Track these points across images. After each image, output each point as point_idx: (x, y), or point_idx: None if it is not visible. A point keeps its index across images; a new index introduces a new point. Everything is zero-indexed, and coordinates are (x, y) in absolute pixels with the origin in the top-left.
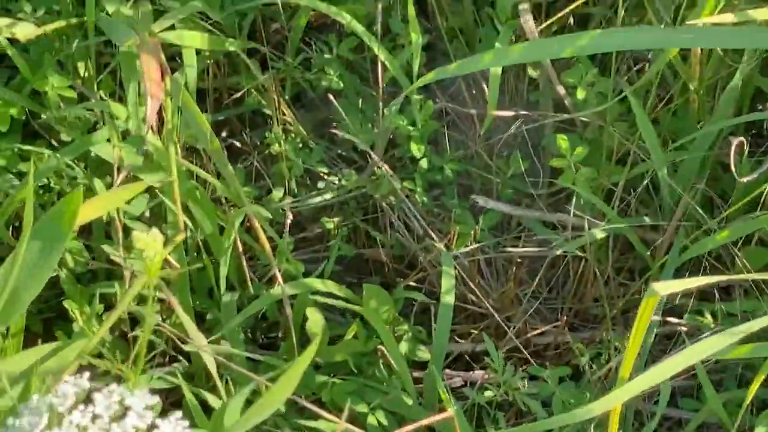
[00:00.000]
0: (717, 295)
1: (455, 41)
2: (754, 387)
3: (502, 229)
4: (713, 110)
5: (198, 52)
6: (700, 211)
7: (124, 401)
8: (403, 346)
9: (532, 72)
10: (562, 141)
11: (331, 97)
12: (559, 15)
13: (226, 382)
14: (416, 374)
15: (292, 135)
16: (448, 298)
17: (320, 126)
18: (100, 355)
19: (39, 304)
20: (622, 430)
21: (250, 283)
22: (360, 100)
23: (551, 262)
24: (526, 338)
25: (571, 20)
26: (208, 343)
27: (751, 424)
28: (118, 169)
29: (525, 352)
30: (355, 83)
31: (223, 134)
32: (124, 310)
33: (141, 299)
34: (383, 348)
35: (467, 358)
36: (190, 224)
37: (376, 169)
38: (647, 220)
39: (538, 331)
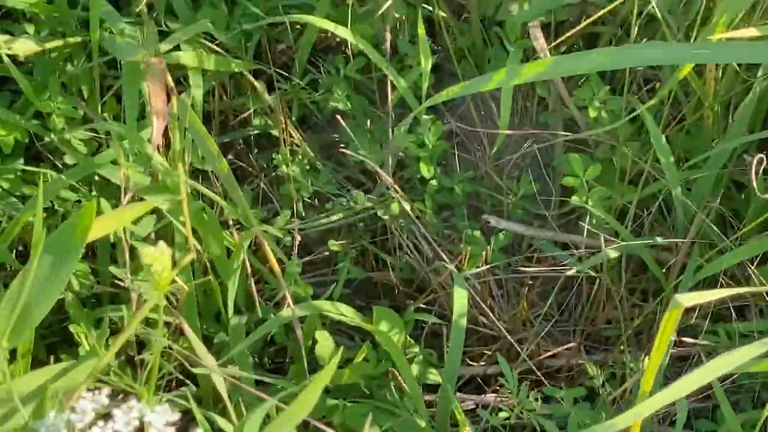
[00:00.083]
0: (733, 315)
1: (463, 62)
2: None
3: (513, 251)
4: (726, 129)
5: (204, 73)
6: (716, 229)
7: (143, 417)
8: (414, 369)
9: (541, 92)
10: (575, 160)
11: (338, 117)
12: (569, 34)
13: (235, 405)
14: (427, 398)
15: (300, 156)
16: (461, 319)
17: (327, 148)
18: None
19: (42, 329)
20: None
21: (258, 306)
22: (368, 121)
23: (562, 284)
24: (538, 360)
25: (580, 42)
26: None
27: None
28: (125, 189)
29: (538, 374)
30: (363, 104)
31: (229, 157)
32: (132, 333)
33: (148, 323)
34: (395, 370)
35: (479, 380)
36: (198, 246)
37: (385, 189)
38: (660, 240)
39: (551, 353)
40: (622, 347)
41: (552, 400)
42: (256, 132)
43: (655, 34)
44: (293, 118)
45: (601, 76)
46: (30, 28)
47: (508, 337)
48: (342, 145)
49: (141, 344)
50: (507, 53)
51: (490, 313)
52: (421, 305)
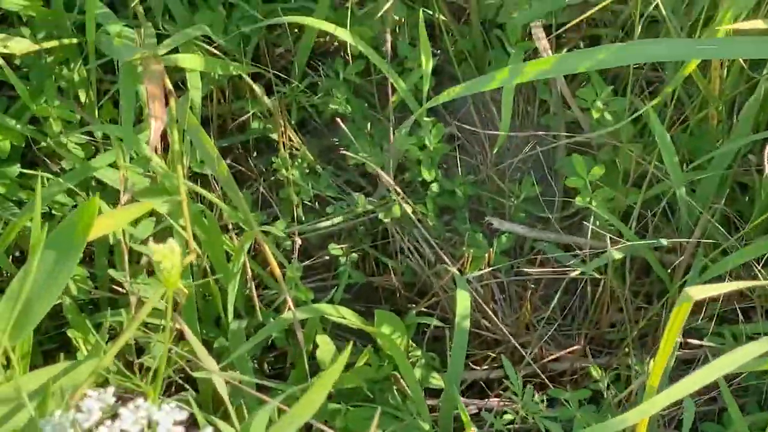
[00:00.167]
0: (740, 316)
1: (464, 64)
2: None
3: (515, 255)
4: (731, 129)
5: (202, 76)
6: (722, 230)
7: (151, 417)
8: (417, 373)
9: (542, 95)
10: (578, 160)
11: (338, 120)
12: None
13: (237, 409)
14: (429, 402)
15: (299, 160)
16: (464, 322)
17: (326, 152)
18: (106, 382)
19: (40, 335)
20: None
21: (258, 310)
22: (368, 124)
23: (565, 288)
24: (542, 364)
25: (581, 44)
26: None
27: None
28: (123, 190)
29: (543, 376)
30: (363, 108)
31: (228, 161)
32: (132, 336)
33: (147, 327)
34: (397, 374)
35: (482, 385)
36: (198, 250)
37: (386, 192)
38: (665, 242)
39: (554, 357)
40: (627, 349)
41: (556, 403)
42: (254, 136)
43: (657, 36)
44: (292, 122)
45: (603, 79)
46: (26, 32)
47: (512, 340)
48: (342, 149)
49: (140, 350)
50: (508, 55)
51: (494, 316)
52: (423, 309)
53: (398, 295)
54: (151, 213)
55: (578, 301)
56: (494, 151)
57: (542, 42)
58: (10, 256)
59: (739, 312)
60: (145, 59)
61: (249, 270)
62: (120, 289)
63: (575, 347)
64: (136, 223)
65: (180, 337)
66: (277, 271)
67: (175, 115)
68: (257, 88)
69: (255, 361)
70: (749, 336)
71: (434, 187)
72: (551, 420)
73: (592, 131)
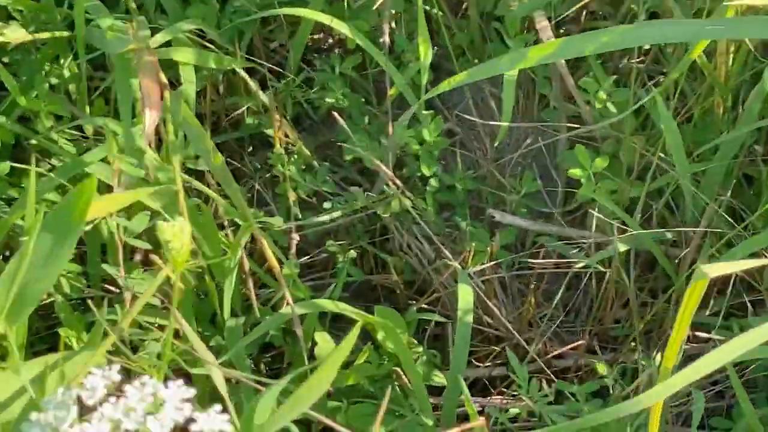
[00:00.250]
0: (749, 308)
1: (461, 59)
2: None
3: (517, 250)
4: (736, 120)
5: (196, 71)
6: (730, 219)
7: (158, 394)
8: (419, 370)
9: (542, 89)
10: (581, 151)
11: (335, 114)
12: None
13: (235, 405)
14: (431, 400)
15: (295, 156)
16: (466, 316)
17: (322, 149)
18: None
19: (31, 336)
20: None
21: (255, 305)
22: (366, 119)
23: (568, 284)
24: (546, 360)
25: None
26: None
27: None
28: (117, 182)
29: (548, 371)
30: (359, 103)
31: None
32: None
33: (141, 328)
34: (398, 370)
35: (484, 383)
36: (193, 244)
37: (385, 186)
38: (670, 234)
39: (558, 352)
40: (632, 344)
41: (563, 398)
42: (249, 133)
43: None
44: (288, 117)
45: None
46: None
47: (516, 335)
48: (339, 144)
49: (134, 350)
50: (507, 49)
51: (497, 311)
52: (424, 305)
53: (398, 292)
54: (145, 207)
55: (582, 297)
56: (495, 144)
57: (546, 33)
58: (1, 256)
59: (748, 304)
60: (138, 51)
61: (246, 265)
62: (113, 288)
63: (580, 342)
64: (130, 216)
65: (176, 335)
66: (275, 264)
67: (169, 106)
68: (252, 83)
69: (252, 362)
70: None
71: (433, 182)
72: (558, 414)
73: (595, 123)
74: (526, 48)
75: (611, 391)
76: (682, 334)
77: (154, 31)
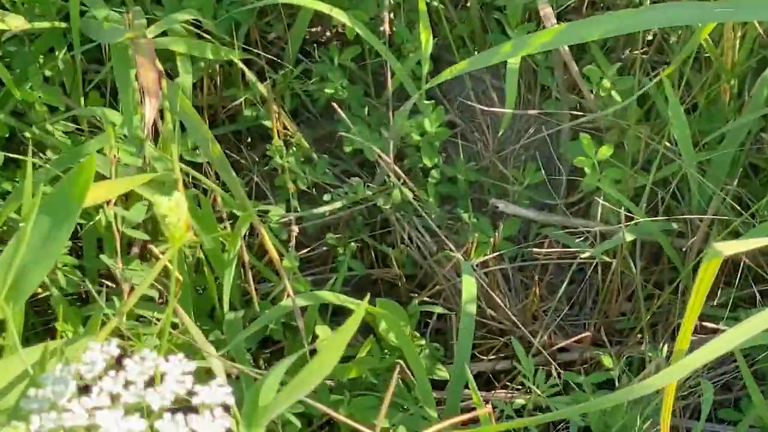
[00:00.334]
0: (758, 298)
1: (462, 51)
2: None
3: (520, 242)
4: (742, 108)
5: (192, 63)
6: (738, 207)
7: (157, 368)
8: (422, 363)
9: (544, 80)
10: (586, 140)
11: (335, 105)
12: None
13: None
14: (434, 395)
15: (294, 148)
16: (470, 307)
17: (321, 141)
18: None
19: (26, 331)
20: None
21: (255, 297)
22: (365, 110)
23: (572, 277)
24: (551, 352)
25: None
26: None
27: None
28: (115, 171)
29: (554, 363)
30: (359, 94)
31: None
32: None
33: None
34: (401, 362)
35: (488, 377)
36: (191, 235)
37: (385, 178)
38: (675, 226)
39: (562, 344)
40: (639, 336)
41: (569, 390)
42: (246, 126)
43: None
44: (286, 109)
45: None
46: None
47: (521, 327)
48: (339, 135)
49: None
50: (508, 39)
51: (501, 303)
52: (426, 298)
53: (399, 286)
54: (143, 198)
55: (586, 290)
56: (499, 134)
57: (547, 12)
58: None
59: (757, 294)
60: (135, 39)
61: (245, 257)
62: (110, 283)
63: (585, 334)
64: (127, 206)
65: (173, 328)
66: (275, 255)
67: (167, 95)
68: (250, 74)
69: (251, 357)
70: None
71: (435, 173)
72: (565, 405)
73: (600, 111)
74: (528, 35)
75: (617, 383)
76: (695, 314)
77: (150, 22)
